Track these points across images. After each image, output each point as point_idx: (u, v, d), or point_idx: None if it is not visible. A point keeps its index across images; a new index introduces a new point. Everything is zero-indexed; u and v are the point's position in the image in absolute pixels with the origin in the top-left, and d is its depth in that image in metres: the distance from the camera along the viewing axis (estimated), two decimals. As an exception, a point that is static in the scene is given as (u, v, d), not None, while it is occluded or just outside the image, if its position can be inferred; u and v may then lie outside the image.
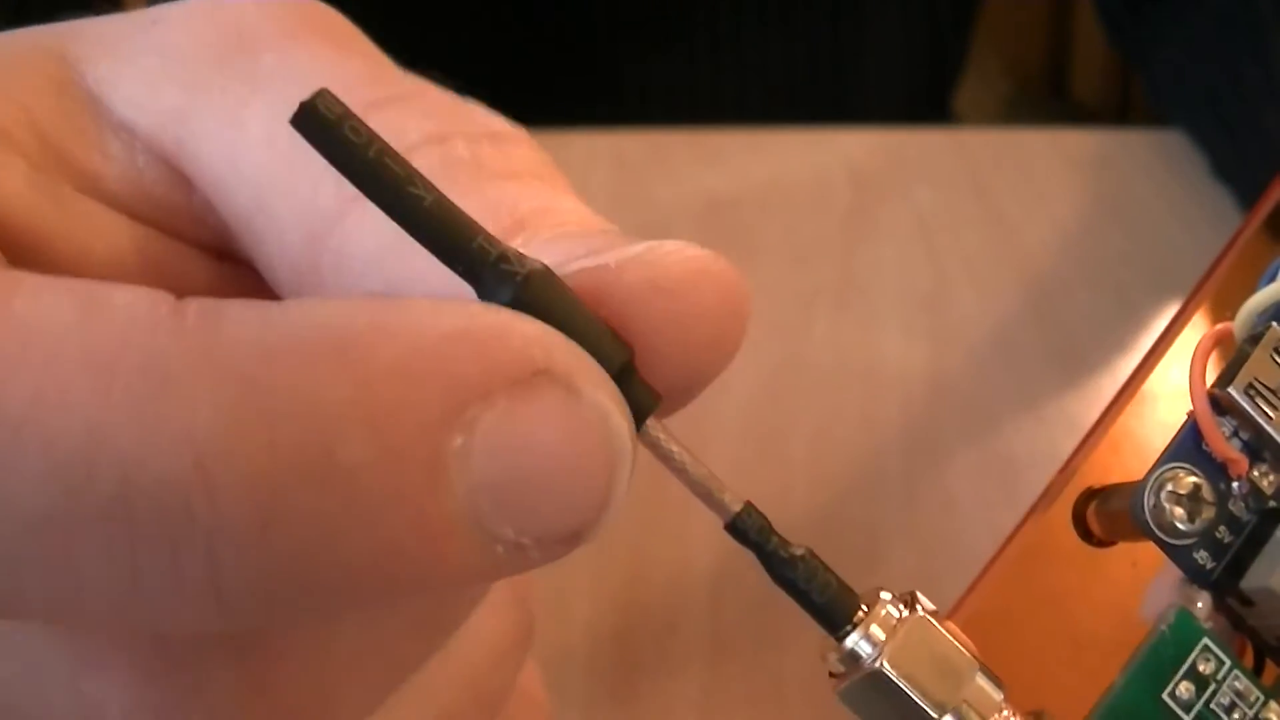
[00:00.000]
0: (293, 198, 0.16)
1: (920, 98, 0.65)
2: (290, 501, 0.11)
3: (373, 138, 0.13)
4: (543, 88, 0.58)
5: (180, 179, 0.17)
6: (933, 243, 0.44)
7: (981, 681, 0.16)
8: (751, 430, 0.38)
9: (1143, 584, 0.19)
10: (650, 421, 0.14)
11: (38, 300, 0.12)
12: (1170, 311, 0.42)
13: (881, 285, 0.43)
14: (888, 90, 0.63)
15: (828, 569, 0.15)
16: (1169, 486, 0.19)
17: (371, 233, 0.15)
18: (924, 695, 0.15)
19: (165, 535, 0.11)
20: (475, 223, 0.13)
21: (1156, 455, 0.19)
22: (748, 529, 0.15)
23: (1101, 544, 0.20)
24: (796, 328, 0.41)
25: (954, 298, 0.42)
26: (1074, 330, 0.41)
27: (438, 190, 0.13)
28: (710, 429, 0.38)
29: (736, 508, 0.15)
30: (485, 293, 0.13)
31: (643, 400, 0.14)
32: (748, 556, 0.36)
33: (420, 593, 0.14)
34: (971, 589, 0.20)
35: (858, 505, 0.37)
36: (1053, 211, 0.45)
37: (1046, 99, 0.91)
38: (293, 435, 0.11)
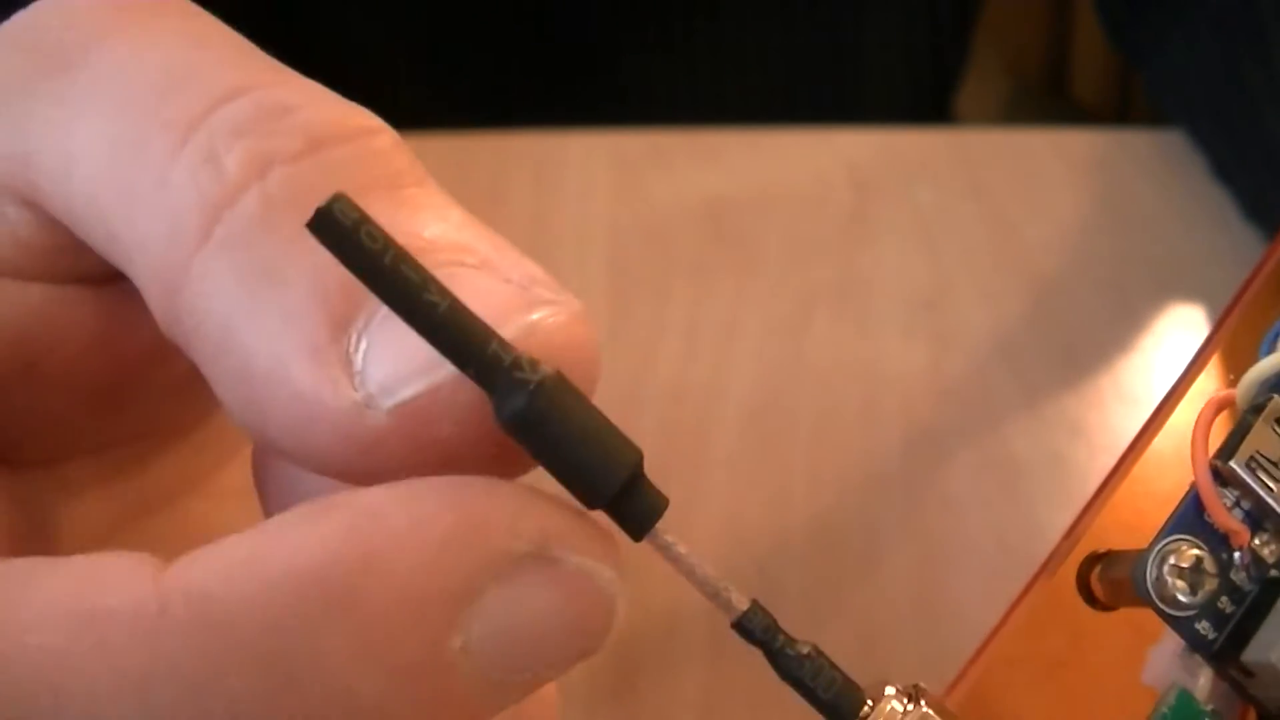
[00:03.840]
0: (136, 230, 0.15)
1: (920, 98, 0.65)
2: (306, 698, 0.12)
3: (389, 243, 0.13)
4: (543, 88, 0.58)
5: (50, 219, 0.16)
6: (933, 243, 0.44)
7: None
8: (751, 430, 0.38)
9: (1145, 648, 0.19)
10: (659, 525, 0.14)
11: (44, 630, 0.12)
12: (1170, 312, 0.42)
13: (881, 285, 0.43)
14: (888, 90, 0.63)
15: (833, 665, 0.15)
16: (1171, 560, 0.19)
17: (217, 280, 0.14)
18: None
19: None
20: (489, 328, 0.13)
21: (1160, 517, 0.19)
22: (754, 628, 0.15)
23: (1105, 608, 0.20)
24: (796, 328, 0.41)
25: (954, 298, 0.42)
26: (1074, 330, 0.41)
27: (452, 295, 0.13)
28: (711, 429, 0.38)
29: (743, 606, 0.15)
30: (498, 399, 0.13)
31: (652, 503, 0.14)
32: (746, 555, 0.36)
33: None
34: (977, 655, 0.21)
35: (858, 505, 0.37)
36: (1053, 211, 0.45)
37: (1046, 99, 0.91)
38: (313, 693, 0.12)
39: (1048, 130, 0.49)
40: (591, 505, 0.14)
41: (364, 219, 0.13)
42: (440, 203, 0.15)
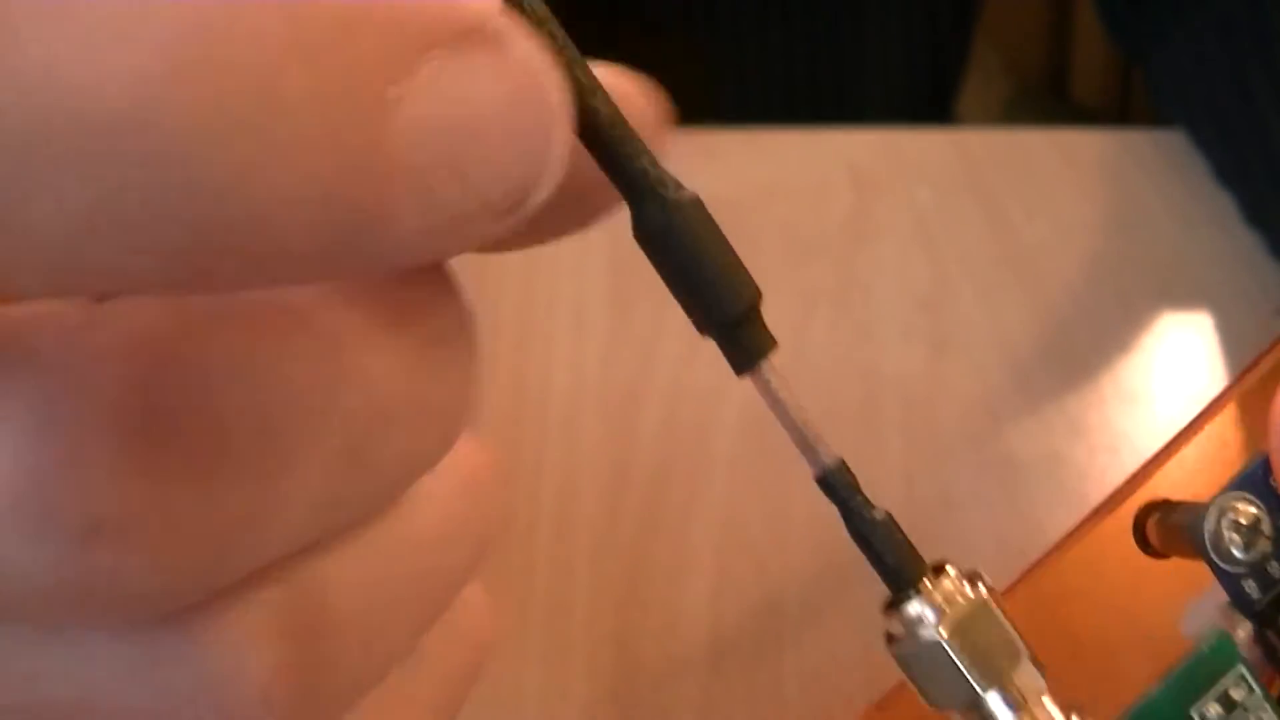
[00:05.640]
0: None
1: (920, 98, 0.65)
2: (234, 119, 0.12)
3: (567, 44, 0.14)
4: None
5: None
6: (933, 243, 0.44)
7: (1029, 665, 0.16)
8: (752, 431, 0.38)
9: (1187, 600, 0.20)
10: (765, 364, 0.15)
11: None
12: (1170, 312, 0.42)
13: (881, 285, 0.43)
14: (888, 90, 0.63)
15: (904, 536, 0.16)
16: (1231, 514, 0.19)
17: None
18: (974, 670, 0.16)
19: (116, 166, 0.11)
20: (642, 142, 0.14)
21: (1226, 481, 0.20)
22: (836, 485, 0.16)
23: (1156, 555, 0.21)
24: (796, 328, 0.41)
25: (954, 298, 0.42)
26: (1074, 330, 0.41)
27: (614, 105, 0.14)
28: (711, 430, 0.38)
29: (830, 463, 0.16)
30: (638, 210, 0.14)
31: (763, 341, 0.15)
32: (746, 555, 0.36)
33: (368, 259, 0.13)
34: (1024, 577, 0.21)
35: (858, 505, 0.37)
36: (1053, 212, 0.45)
37: (1046, 99, 0.91)
38: (235, 63, 0.12)
39: (1048, 130, 0.49)
40: (705, 328, 0.15)
41: (549, 18, 0.14)
42: None
